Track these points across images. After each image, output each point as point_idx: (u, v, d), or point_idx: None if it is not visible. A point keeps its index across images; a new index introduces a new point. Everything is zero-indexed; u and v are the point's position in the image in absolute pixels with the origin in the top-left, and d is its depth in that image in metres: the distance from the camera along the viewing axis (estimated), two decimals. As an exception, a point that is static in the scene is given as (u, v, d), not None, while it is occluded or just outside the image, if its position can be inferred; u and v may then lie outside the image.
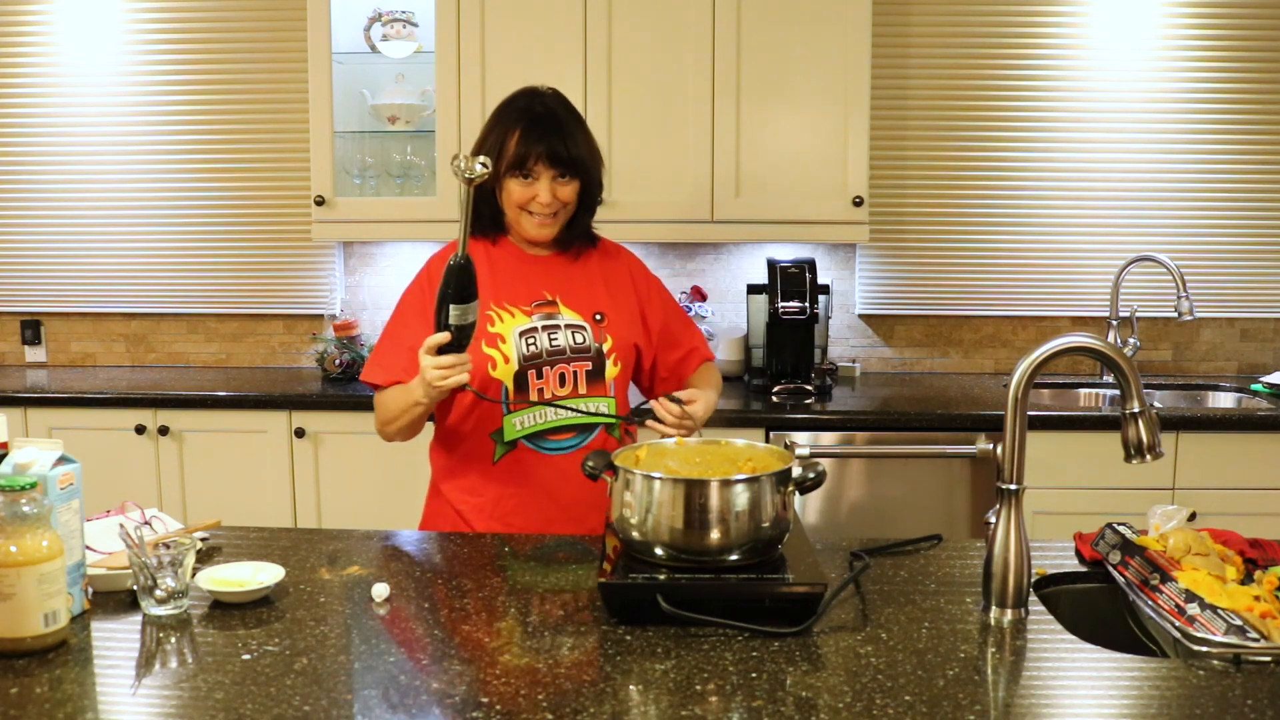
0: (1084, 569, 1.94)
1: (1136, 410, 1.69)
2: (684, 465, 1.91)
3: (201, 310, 4.31)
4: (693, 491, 1.69)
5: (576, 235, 2.48)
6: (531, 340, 2.35)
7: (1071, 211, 4.12)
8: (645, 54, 3.65)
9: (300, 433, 3.56)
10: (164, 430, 3.63)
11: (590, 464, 1.84)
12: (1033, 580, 1.79)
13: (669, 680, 1.45)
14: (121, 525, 1.71)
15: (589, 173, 2.40)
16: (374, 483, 3.61)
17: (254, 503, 3.59)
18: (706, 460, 1.92)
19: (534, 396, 2.33)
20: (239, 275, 4.26)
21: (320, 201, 3.76)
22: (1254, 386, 3.85)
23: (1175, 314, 3.77)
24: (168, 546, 1.69)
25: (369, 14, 3.88)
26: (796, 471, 1.79)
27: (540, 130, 2.33)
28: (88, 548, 1.76)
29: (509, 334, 2.35)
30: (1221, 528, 1.91)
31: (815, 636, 1.60)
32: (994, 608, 1.70)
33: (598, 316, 2.43)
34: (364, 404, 3.61)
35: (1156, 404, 3.83)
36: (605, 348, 2.40)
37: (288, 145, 4.16)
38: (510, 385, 2.33)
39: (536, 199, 2.34)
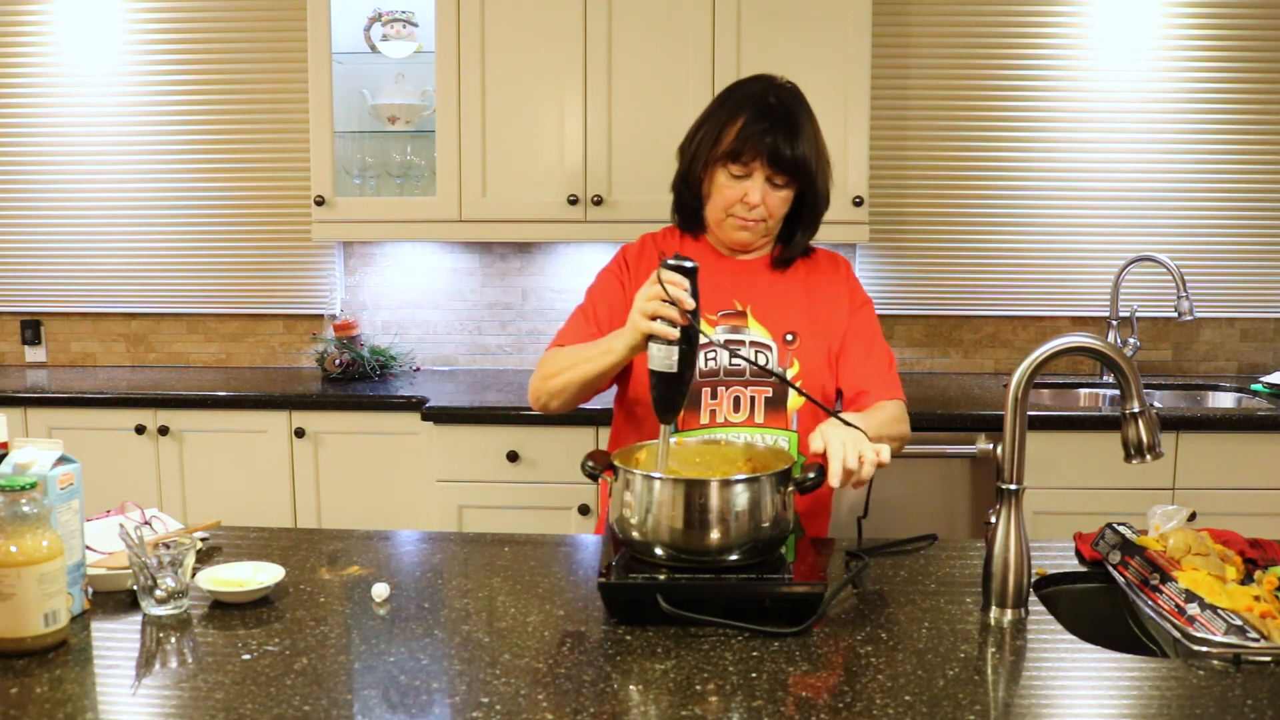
0: (1084, 569, 1.94)
1: (1136, 410, 1.69)
2: (684, 465, 1.91)
3: (201, 310, 4.30)
4: (692, 491, 1.69)
5: (793, 255, 2.26)
6: (711, 355, 2.14)
7: (1071, 211, 4.12)
8: (645, 54, 3.65)
9: (300, 433, 3.56)
10: (164, 430, 3.63)
11: (590, 464, 1.83)
12: (1033, 580, 1.79)
13: (669, 680, 1.45)
14: (121, 525, 1.71)
15: (812, 181, 2.17)
16: (374, 483, 3.61)
17: (254, 503, 3.59)
18: (706, 460, 1.93)
19: (704, 418, 2.13)
20: (239, 275, 4.26)
21: (320, 201, 3.76)
22: (1254, 386, 3.85)
23: (1175, 314, 3.77)
24: (168, 546, 1.69)
25: (369, 14, 3.88)
26: (796, 472, 1.79)
27: (767, 123, 2.09)
28: (88, 548, 1.76)
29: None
30: (1221, 528, 1.91)
31: (815, 636, 1.61)
32: (994, 607, 1.70)
33: (788, 337, 2.18)
34: (364, 404, 3.61)
35: (1156, 404, 3.83)
36: (790, 374, 2.16)
37: (288, 145, 4.16)
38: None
39: (745, 199, 2.13)
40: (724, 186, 2.16)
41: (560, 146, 3.70)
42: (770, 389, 2.15)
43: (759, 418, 2.15)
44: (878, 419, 2.08)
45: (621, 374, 2.20)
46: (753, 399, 2.15)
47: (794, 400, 2.16)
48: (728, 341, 2.13)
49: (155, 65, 4.14)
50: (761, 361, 2.14)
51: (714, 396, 2.14)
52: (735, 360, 2.14)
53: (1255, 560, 1.82)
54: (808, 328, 2.21)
